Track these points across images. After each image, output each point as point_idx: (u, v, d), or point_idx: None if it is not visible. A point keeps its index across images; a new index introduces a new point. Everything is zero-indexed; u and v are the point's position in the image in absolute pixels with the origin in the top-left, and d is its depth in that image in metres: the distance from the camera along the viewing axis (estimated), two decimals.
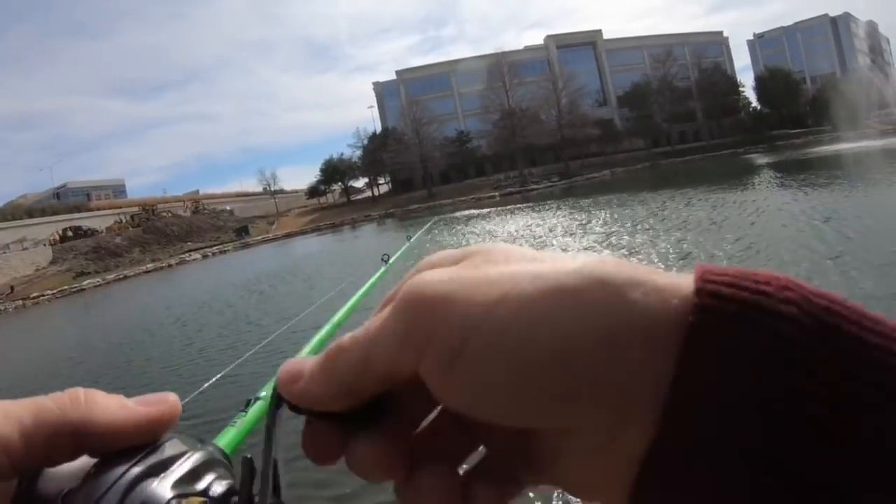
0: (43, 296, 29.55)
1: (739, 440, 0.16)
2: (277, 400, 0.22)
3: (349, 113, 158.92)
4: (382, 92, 60.71)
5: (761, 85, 62.93)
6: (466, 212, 30.06)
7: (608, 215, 14.78)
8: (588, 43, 60.90)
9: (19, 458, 0.20)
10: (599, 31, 61.84)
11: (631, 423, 0.17)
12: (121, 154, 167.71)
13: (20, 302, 28.86)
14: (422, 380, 0.20)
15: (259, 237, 47.34)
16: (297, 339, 3.67)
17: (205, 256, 38.18)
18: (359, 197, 60.36)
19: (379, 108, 60.83)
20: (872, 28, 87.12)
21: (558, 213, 18.97)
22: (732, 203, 13.79)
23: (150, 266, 35.93)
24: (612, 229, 11.79)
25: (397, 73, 60.53)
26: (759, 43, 76.09)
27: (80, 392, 0.23)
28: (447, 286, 0.19)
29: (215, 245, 43.82)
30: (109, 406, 0.22)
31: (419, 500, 0.21)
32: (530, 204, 27.52)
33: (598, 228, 12.80)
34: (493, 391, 0.18)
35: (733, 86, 62.26)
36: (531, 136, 51.79)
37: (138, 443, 0.22)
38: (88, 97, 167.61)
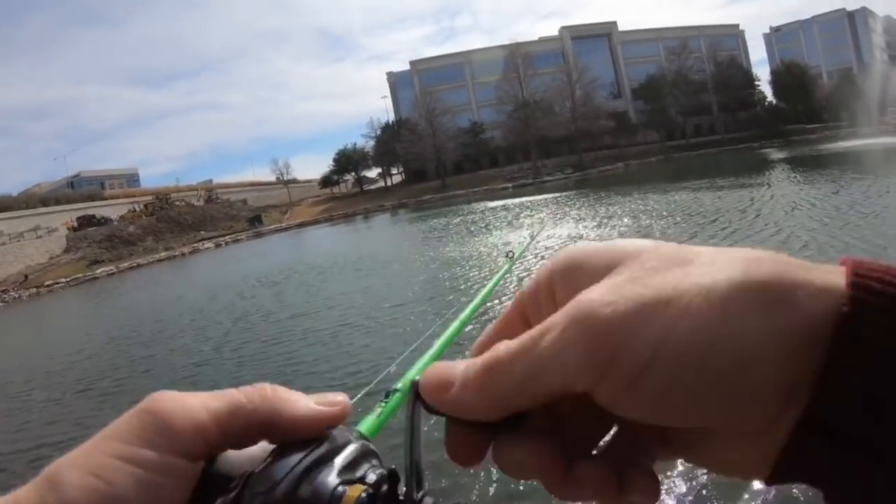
0: (57, 283, 29.75)
1: (887, 427, 0.17)
2: (417, 399, 0.23)
3: (363, 103, 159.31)
4: (396, 82, 60.72)
5: (777, 79, 62.41)
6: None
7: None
8: (603, 34, 60.59)
9: (214, 443, 0.24)
10: (614, 23, 61.49)
11: (788, 413, 0.19)
12: (134, 143, 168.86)
13: (34, 290, 29.18)
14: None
15: (272, 226, 47.49)
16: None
17: (217, 245, 38.37)
18: (372, 187, 60.54)
19: (392, 98, 60.89)
20: (890, 23, 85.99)
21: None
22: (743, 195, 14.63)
23: (163, 255, 36.21)
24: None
25: (411, 63, 60.50)
26: (776, 36, 75.45)
27: (267, 387, 0.26)
28: (623, 307, 0.20)
29: (228, 234, 43.87)
30: (293, 402, 0.25)
31: (581, 493, 0.22)
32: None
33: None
34: (675, 402, 0.20)
35: (749, 79, 61.82)
36: (545, 128, 51.69)
37: (312, 435, 0.25)
38: (103, 86, 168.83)
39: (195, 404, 0.24)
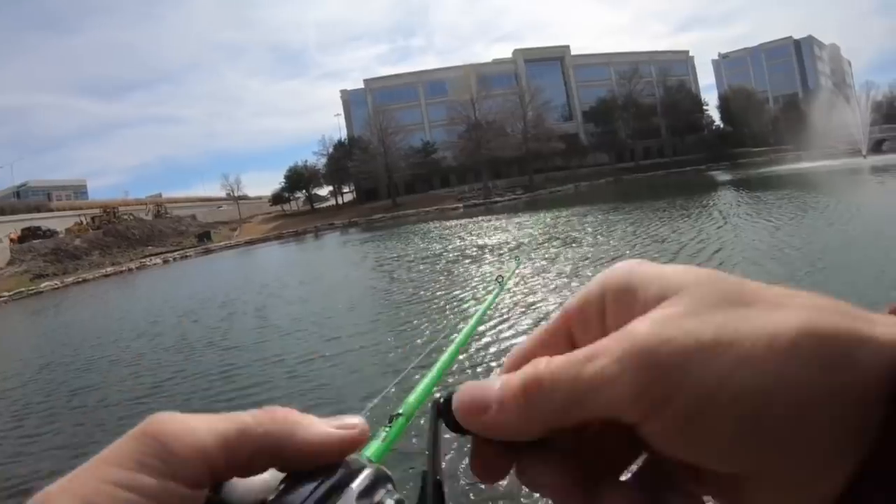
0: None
1: None
2: (438, 417, 0.24)
3: (315, 120, 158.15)
4: (350, 100, 60.24)
5: (725, 103, 64.22)
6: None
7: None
8: (556, 58, 61.41)
9: (220, 470, 0.22)
10: (567, 47, 62.47)
11: (838, 466, 0.19)
12: (84, 154, 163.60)
13: None
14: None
15: (221, 243, 46.44)
16: None
17: (165, 261, 37.33)
18: (323, 205, 59.62)
19: (346, 116, 60.37)
20: (835, 51, 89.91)
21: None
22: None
23: (109, 269, 34.97)
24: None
25: (365, 81, 60.16)
26: (724, 63, 77.84)
27: (278, 411, 0.24)
28: (682, 346, 0.19)
29: (176, 250, 42.74)
30: (307, 426, 0.23)
31: None
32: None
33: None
34: (724, 447, 0.19)
35: (697, 104, 63.39)
36: (496, 149, 51.82)
37: (327, 461, 0.23)
38: (54, 94, 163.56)
39: (199, 427, 0.22)
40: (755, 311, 0.20)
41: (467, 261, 13.30)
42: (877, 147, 46.87)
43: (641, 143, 58.60)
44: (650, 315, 0.21)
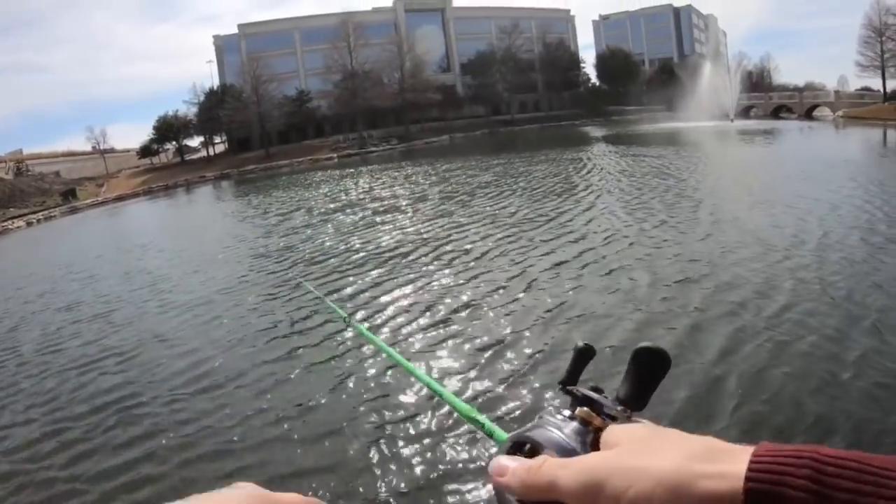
0: None
1: None
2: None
3: (187, 68, 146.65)
4: (223, 46, 57.23)
5: (602, 63, 66.85)
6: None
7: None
8: (437, 9, 61.19)
9: None
10: None
11: None
12: None
13: None
14: None
15: (88, 201, 43.38)
16: None
17: (29, 224, 34.39)
18: (194, 157, 56.83)
19: (218, 63, 57.36)
20: (712, 21, 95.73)
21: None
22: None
23: None
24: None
25: (239, 27, 57.32)
26: (604, 24, 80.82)
27: None
28: (606, 470, 0.33)
29: (41, 210, 39.33)
30: None
31: None
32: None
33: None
34: None
35: (575, 61, 65.65)
36: (373, 99, 51.43)
37: None
38: None
39: None
40: (655, 457, 0.32)
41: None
42: (744, 113, 50.86)
43: (518, 96, 60.08)
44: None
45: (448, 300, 6.73)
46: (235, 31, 57.29)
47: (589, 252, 8.15)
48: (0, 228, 33.04)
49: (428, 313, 6.38)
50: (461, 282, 7.46)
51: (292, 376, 5.18)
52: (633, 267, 7.17)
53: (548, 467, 0.34)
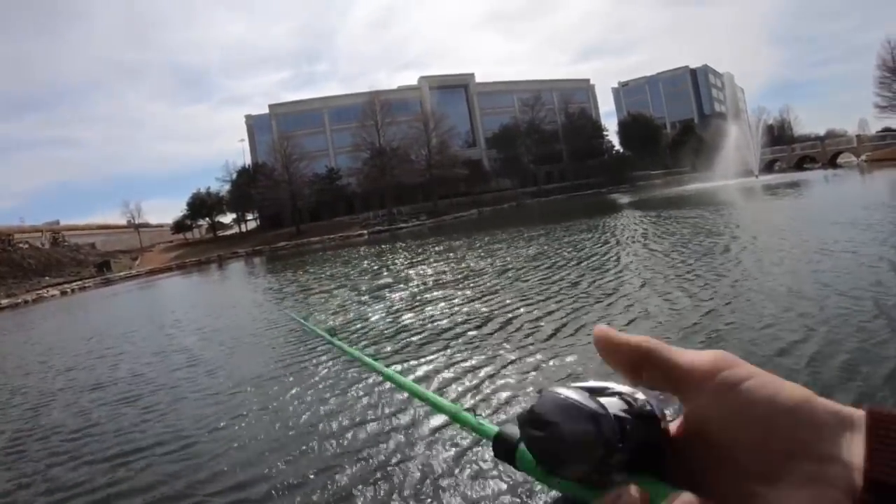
0: None
1: None
2: None
3: (219, 146, 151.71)
4: (254, 126, 59.28)
5: (624, 129, 67.72)
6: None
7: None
8: (460, 85, 62.97)
9: None
10: (472, 75, 64.21)
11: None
12: None
13: None
14: None
15: (122, 273, 44.36)
16: None
17: (63, 293, 35.09)
18: (226, 233, 58.04)
19: (250, 141, 59.32)
20: (729, 79, 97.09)
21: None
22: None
23: (4, 302, 32.29)
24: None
25: (270, 107, 59.48)
26: (623, 90, 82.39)
27: None
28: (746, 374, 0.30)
29: (75, 281, 40.34)
30: None
31: None
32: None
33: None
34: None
35: (598, 129, 66.52)
36: (401, 175, 52.30)
37: None
38: None
39: None
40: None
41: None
42: (769, 168, 50.76)
43: (543, 167, 60.71)
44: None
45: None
46: (266, 111, 59.35)
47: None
48: (35, 296, 33.85)
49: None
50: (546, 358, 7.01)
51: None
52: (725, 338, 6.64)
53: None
